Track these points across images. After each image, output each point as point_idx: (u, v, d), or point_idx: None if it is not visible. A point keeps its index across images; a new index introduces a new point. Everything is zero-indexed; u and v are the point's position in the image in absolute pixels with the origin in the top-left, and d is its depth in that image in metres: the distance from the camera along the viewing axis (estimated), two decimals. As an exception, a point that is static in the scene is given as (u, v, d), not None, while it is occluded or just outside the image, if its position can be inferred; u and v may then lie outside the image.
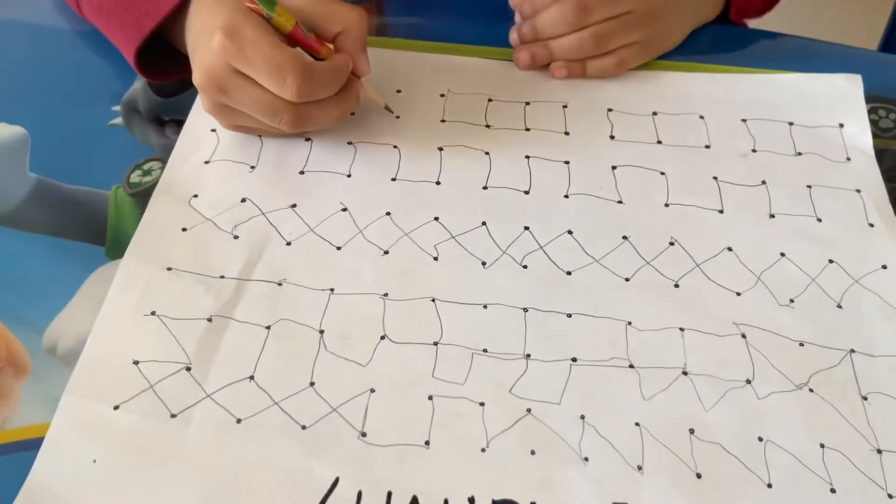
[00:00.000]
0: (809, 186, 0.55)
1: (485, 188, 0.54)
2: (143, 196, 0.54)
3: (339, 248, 0.51)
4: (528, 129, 0.58)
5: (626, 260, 0.51)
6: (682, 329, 0.47)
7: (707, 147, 0.57)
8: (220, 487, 0.41)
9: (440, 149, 0.56)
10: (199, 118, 0.57)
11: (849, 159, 0.56)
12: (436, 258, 0.50)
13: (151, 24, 0.54)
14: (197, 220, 0.52)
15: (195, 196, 0.53)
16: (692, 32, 0.65)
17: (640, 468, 0.42)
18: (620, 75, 0.61)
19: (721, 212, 0.53)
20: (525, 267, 0.50)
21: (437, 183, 0.54)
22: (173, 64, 0.57)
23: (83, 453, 0.42)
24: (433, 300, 0.48)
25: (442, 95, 0.60)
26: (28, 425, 0.44)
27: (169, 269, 0.49)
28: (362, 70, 0.53)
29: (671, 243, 0.52)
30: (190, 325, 0.47)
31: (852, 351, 0.47)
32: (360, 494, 0.41)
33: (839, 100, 0.59)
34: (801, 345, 0.47)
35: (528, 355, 0.46)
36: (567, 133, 0.58)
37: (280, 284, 0.49)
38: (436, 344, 0.47)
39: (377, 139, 0.57)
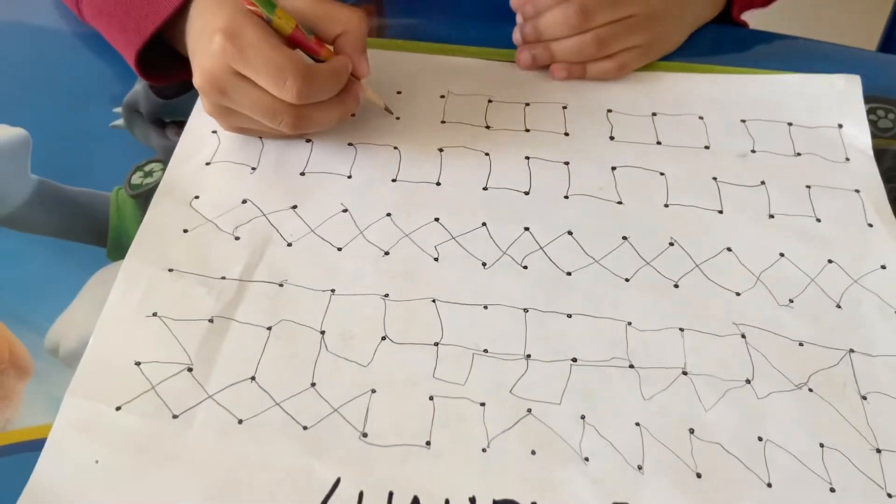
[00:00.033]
0: (808, 187, 0.55)
1: (485, 189, 0.54)
2: (144, 197, 0.54)
3: (339, 249, 0.51)
4: (527, 130, 0.58)
5: (625, 260, 0.51)
6: (681, 329, 0.48)
7: (706, 148, 0.57)
8: (222, 488, 0.41)
9: (440, 150, 0.57)
10: (200, 120, 0.57)
11: (848, 159, 0.56)
12: (436, 259, 0.51)
13: (151, 27, 0.54)
14: (198, 222, 0.52)
15: (196, 197, 0.53)
16: (692, 33, 0.65)
17: (640, 468, 0.42)
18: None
19: (720, 212, 0.53)
20: (525, 267, 0.50)
21: (438, 184, 0.55)
22: (174, 66, 0.57)
23: (85, 454, 0.42)
24: (434, 301, 0.49)
25: (442, 96, 0.60)
26: (30, 426, 0.44)
27: (170, 270, 0.49)
28: (362, 72, 0.53)
29: (671, 244, 0.52)
30: (191, 325, 0.47)
31: (851, 351, 0.47)
32: (361, 495, 0.41)
33: (838, 100, 0.60)
34: (801, 345, 0.47)
35: (529, 356, 0.46)
36: (567, 134, 0.58)
37: (281, 285, 0.49)
38: (436, 344, 0.47)
39: (378, 140, 0.57)
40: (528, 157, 0.56)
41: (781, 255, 0.51)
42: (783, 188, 0.55)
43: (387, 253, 0.51)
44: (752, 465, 0.42)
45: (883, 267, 0.51)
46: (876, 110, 0.60)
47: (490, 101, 0.60)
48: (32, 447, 0.42)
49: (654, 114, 0.59)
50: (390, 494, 0.41)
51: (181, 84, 0.59)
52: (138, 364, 0.45)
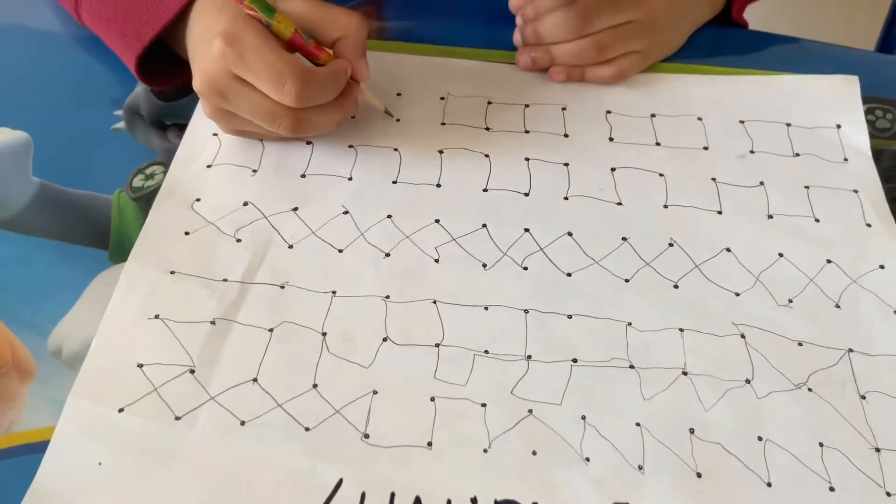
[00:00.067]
0: (807, 187, 0.55)
1: (485, 190, 0.55)
2: (145, 200, 0.54)
3: (340, 251, 0.51)
4: (527, 132, 0.58)
5: (625, 261, 0.51)
6: (681, 329, 0.48)
7: (705, 148, 0.57)
8: (224, 489, 0.41)
9: (440, 151, 0.57)
10: (201, 122, 0.57)
11: (846, 160, 0.57)
12: (437, 260, 0.51)
13: (151, 32, 0.54)
14: (200, 224, 0.52)
15: (198, 200, 0.53)
16: (691, 34, 0.65)
17: (640, 468, 0.43)
18: (619, 79, 0.62)
19: (720, 213, 0.54)
20: (525, 268, 0.51)
21: (438, 185, 0.55)
22: (174, 70, 0.57)
23: (88, 456, 0.42)
24: (434, 302, 0.49)
25: (442, 98, 0.60)
26: (34, 428, 0.44)
27: (172, 272, 0.50)
28: (361, 75, 0.54)
29: (670, 244, 0.52)
30: (193, 328, 0.47)
31: (850, 350, 0.47)
32: (363, 495, 0.41)
33: (836, 100, 0.60)
34: (800, 344, 0.47)
35: (530, 356, 0.47)
36: (566, 135, 0.58)
37: (282, 287, 0.49)
38: (437, 345, 0.47)
39: (378, 142, 0.57)
40: (527, 159, 0.56)
41: (780, 255, 0.51)
42: (782, 188, 0.55)
43: (388, 254, 0.51)
44: (752, 465, 0.43)
45: (881, 267, 0.51)
46: (874, 110, 0.60)
47: (490, 102, 0.60)
48: (36, 449, 0.43)
49: (653, 115, 0.59)
50: (392, 495, 0.41)
51: (182, 87, 0.60)
52: (141, 366, 0.46)
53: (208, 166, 0.56)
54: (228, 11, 0.50)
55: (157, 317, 0.48)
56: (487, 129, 0.58)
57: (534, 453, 0.43)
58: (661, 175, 0.56)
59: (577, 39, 0.59)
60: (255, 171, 0.55)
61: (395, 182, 0.55)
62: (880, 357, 0.47)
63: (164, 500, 0.41)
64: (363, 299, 0.49)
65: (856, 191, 0.55)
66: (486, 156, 0.57)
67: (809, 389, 0.46)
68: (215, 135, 0.57)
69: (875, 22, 0.90)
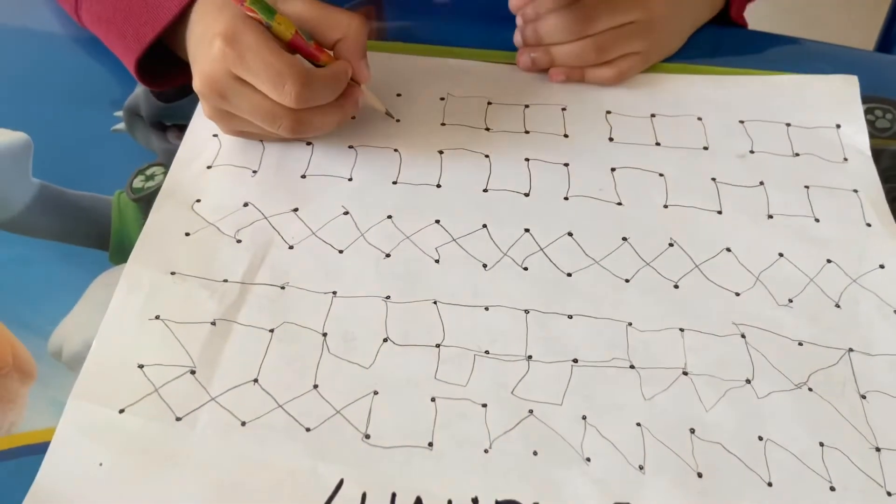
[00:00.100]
0: (807, 187, 0.55)
1: (485, 191, 0.55)
2: (146, 201, 0.54)
3: (341, 252, 0.51)
4: (527, 132, 0.58)
5: (625, 261, 0.51)
6: (682, 329, 0.48)
7: (705, 148, 0.57)
8: (225, 489, 0.41)
9: (440, 152, 0.57)
10: (201, 123, 0.57)
11: (846, 159, 0.57)
12: (437, 261, 0.51)
13: (151, 34, 0.54)
14: (200, 225, 0.52)
15: (198, 201, 0.54)
16: (690, 34, 0.65)
17: (641, 468, 0.43)
18: (619, 80, 0.62)
19: (720, 213, 0.54)
20: (526, 269, 0.51)
21: (438, 186, 0.55)
22: (173, 70, 0.57)
23: (89, 457, 0.42)
24: (435, 302, 0.49)
25: (442, 99, 0.60)
26: (34, 430, 0.44)
27: (172, 273, 0.50)
28: (362, 77, 0.54)
29: (670, 244, 0.52)
30: (194, 328, 0.47)
31: (851, 350, 0.47)
32: (364, 496, 0.41)
33: (836, 100, 0.60)
34: (800, 344, 0.47)
35: (530, 356, 0.47)
36: (566, 135, 0.58)
37: (283, 288, 0.49)
38: (438, 346, 0.47)
39: (378, 143, 0.57)
40: (527, 159, 0.56)
41: (780, 255, 0.51)
42: (782, 188, 0.55)
43: (388, 255, 0.51)
44: (752, 465, 0.43)
45: (881, 266, 0.51)
46: (874, 110, 0.60)
47: (490, 103, 0.60)
48: (36, 450, 0.43)
49: (653, 115, 0.59)
50: (393, 495, 0.41)
51: (182, 87, 0.60)
52: (141, 367, 0.46)
53: (208, 167, 0.56)
54: (228, 12, 0.50)
55: (157, 318, 0.48)
56: (487, 129, 0.58)
57: (534, 453, 0.43)
58: (661, 175, 0.56)
59: (577, 40, 0.59)
60: (255, 171, 0.55)
61: (395, 182, 0.55)
62: (880, 357, 0.47)
63: (164, 501, 0.41)
64: (363, 300, 0.49)
65: (856, 191, 0.55)
66: (486, 156, 0.57)
67: (810, 389, 0.46)
68: (215, 136, 0.57)
69: (875, 22, 0.90)
